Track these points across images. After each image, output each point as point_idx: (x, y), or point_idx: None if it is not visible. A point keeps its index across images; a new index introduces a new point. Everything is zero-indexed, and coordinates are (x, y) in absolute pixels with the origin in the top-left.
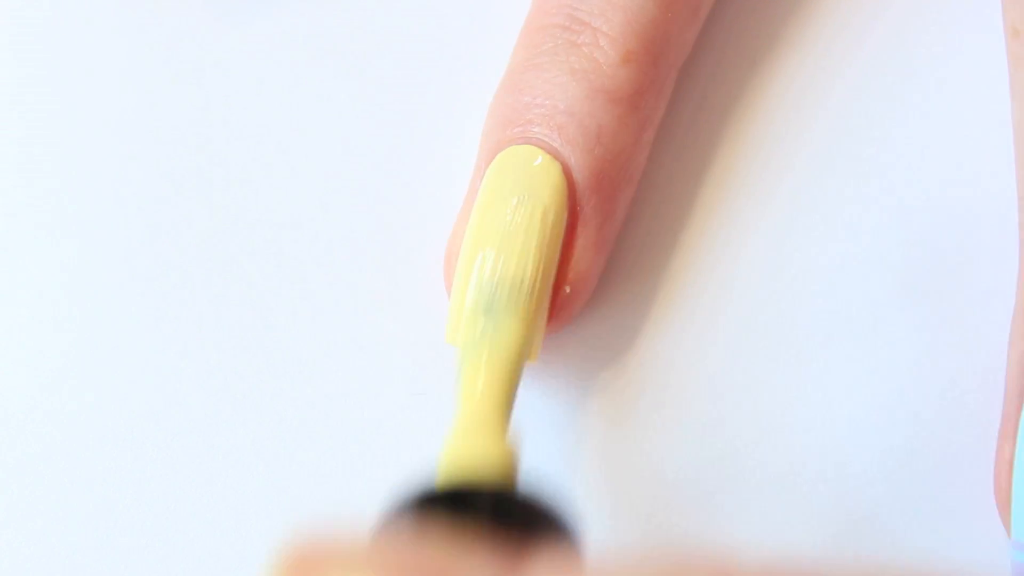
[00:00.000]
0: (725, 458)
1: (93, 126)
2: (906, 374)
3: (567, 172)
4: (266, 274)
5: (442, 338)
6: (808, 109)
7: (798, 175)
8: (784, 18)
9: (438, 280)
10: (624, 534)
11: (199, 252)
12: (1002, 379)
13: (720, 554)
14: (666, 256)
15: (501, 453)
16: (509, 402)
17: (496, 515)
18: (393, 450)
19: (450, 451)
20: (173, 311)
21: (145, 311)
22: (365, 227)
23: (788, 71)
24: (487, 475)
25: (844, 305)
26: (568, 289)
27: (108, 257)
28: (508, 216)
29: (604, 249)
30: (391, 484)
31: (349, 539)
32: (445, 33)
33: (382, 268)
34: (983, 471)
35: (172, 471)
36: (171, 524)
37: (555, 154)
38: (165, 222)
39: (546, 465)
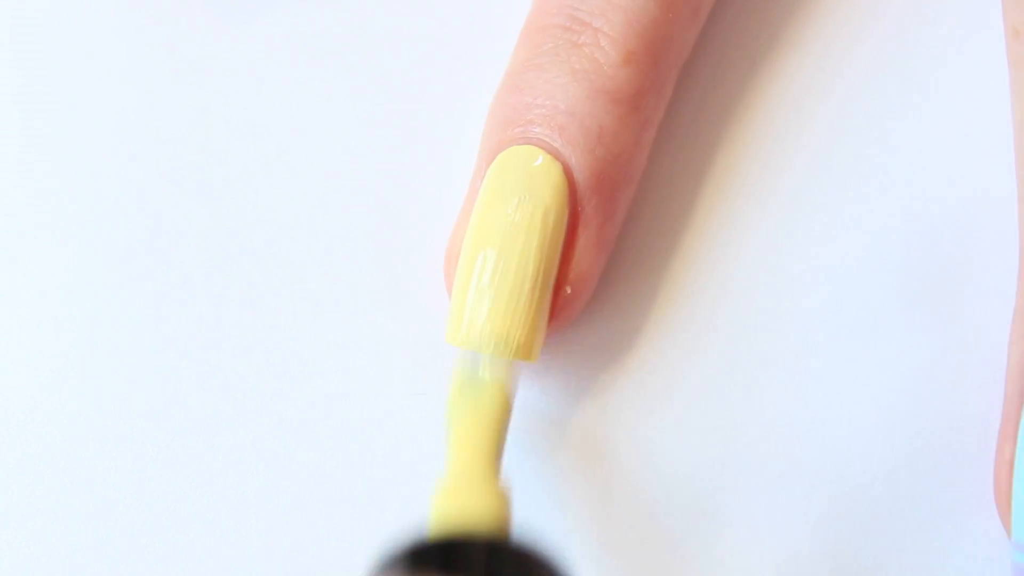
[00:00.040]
0: (725, 458)
1: (93, 126)
2: (906, 374)
3: (568, 172)
4: (266, 274)
5: (442, 338)
6: (808, 109)
7: (798, 175)
8: (784, 18)
9: (438, 280)
10: (623, 534)
11: (199, 252)
12: (1002, 380)
13: None
14: (666, 256)
15: (493, 502)
16: (499, 451)
17: (489, 566)
18: (393, 450)
19: (441, 501)
20: (173, 311)
21: (145, 311)
22: (365, 227)
23: (788, 71)
24: (480, 525)
25: (844, 305)
26: (569, 289)
27: (108, 257)
28: (509, 216)
29: (605, 249)
30: (390, 485)
31: None
32: (445, 33)
33: (382, 268)
34: (983, 472)
35: (172, 471)
36: (171, 524)
37: (556, 154)
38: (165, 222)
39: (545, 466)
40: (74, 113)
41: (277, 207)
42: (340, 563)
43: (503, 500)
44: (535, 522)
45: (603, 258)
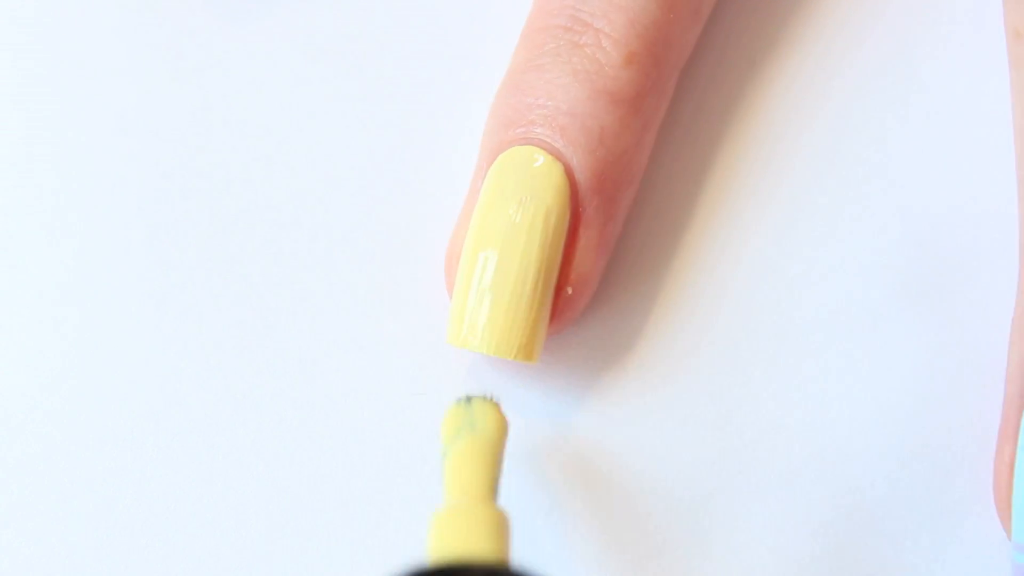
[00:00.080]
0: (725, 458)
1: (93, 126)
2: (906, 375)
3: (569, 173)
4: (266, 274)
5: (442, 338)
6: (808, 110)
7: (798, 176)
8: (784, 19)
9: (438, 280)
10: (623, 534)
11: (199, 252)
12: (1001, 380)
13: None
14: (666, 257)
15: (492, 530)
16: (496, 479)
17: None
18: (393, 450)
19: (439, 529)
20: (173, 311)
21: (145, 311)
22: (365, 227)
23: (788, 72)
24: (478, 552)
25: (844, 306)
26: (570, 290)
27: (108, 257)
28: (510, 217)
29: (606, 250)
30: (390, 485)
31: None
32: (445, 33)
33: (382, 268)
34: (983, 472)
35: (172, 471)
36: (171, 524)
37: (557, 155)
38: (165, 222)
39: (547, 466)
40: (74, 113)
41: (277, 207)
42: (340, 563)
43: (502, 527)
44: (535, 523)
45: (604, 259)
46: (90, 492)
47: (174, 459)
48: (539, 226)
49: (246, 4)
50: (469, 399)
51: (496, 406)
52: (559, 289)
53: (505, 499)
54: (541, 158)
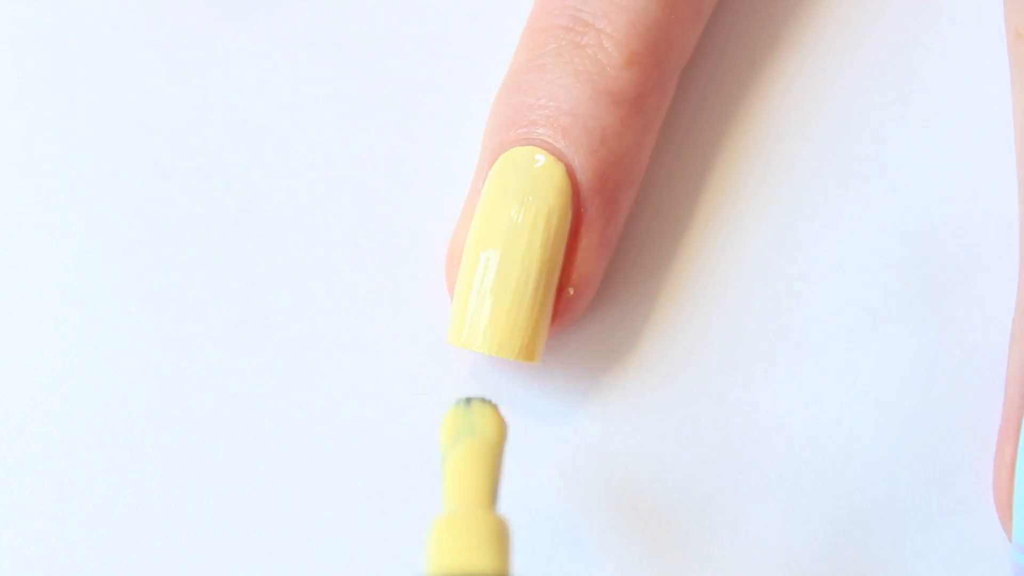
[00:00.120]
0: (725, 458)
1: (93, 126)
2: (906, 375)
3: (571, 174)
4: (266, 274)
5: (442, 338)
6: (808, 110)
7: (798, 176)
8: (784, 19)
9: (439, 280)
10: (624, 534)
11: (199, 252)
12: (1001, 381)
13: None
14: (667, 257)
15: (492, 541)
16: (496, 484)
17: None
18: (393, 450)
19: (439, 539)
20: (173, 311)
21: (145, 311)
22: (366, 227)
23: (788, 72)
24: (479, 565)
25: (844, 306)
26: (572, 291)
27: (108, 257)
28: (512, 217)
29: (607, 251)
30: (390, 485)
31: None
32: (445, 33)
33: (382, 268)
34: (983, 472)
35: (172, 471)
36: (171, 524)
37: (559, 156)
38: (165, 222)
39: (547, 466)
40: (74, 113)
41: (277, 207)
42: (340, 563)
43: (502, 536)
44: (535, 523)
45: (606, 259)
46: (90, 492)
47: (174, 459)
48: (541, 226)
49: (246, 4)
50: (468, 401)
51: (495, 409)
52: (561, 289)
53: (505, 499)
54: (543, 158)
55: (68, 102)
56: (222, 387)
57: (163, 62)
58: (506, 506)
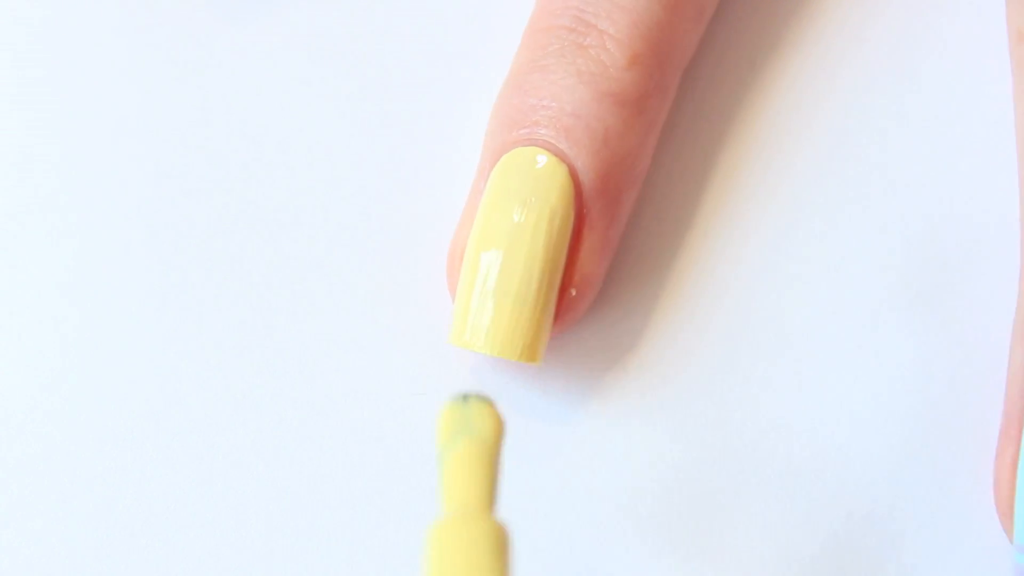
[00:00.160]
0: (725, 459)
1: (94, 126)
2: (906, 375)
3: (574, 175)
4: (267, 274)
5: (442, 338)
6: (809, 110)
7: (799, 176)
8: (785, 19)
9: (440, 280)
10: (624, 534)
11: (200, 252)
12: (1001, 380)
13: None
14: (667, 257)
15: (492, 548)
16: (494, 485)
17: None
18: (393, 450)
19: (438, 548)
20: (173, 311)
21: (145, 311)
22: (366, 227)
23: (789, 72)
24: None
25: (844, 306)
26: (574, 292)
27: (108, 256)
28: (515, 217)
29: (609, 251)
30: (390, 485)
31: None
32: (446, 33)
33: (383, 268)
34: (983, 472)
35: (172, 471)
36: (171, 524)
37: (562, 156)
38: (165, 222)
39: (547, 466)
40: (74, 113)
41: (277, 207)
42: (340, 563)
43: (501, 542)
44: (535, 523)
45: (608, 260)
46: (90, 492)
47: (174, 459)
48: (543, 227)
49: (246, 4)
50: (465, 398)
51: (493, 406)
52: (563, 290)
53: (504, 500)
54: (545, 159)
55: (69, 102)
56: (222, 387)
57: (164, 62)
58: (505, 507)
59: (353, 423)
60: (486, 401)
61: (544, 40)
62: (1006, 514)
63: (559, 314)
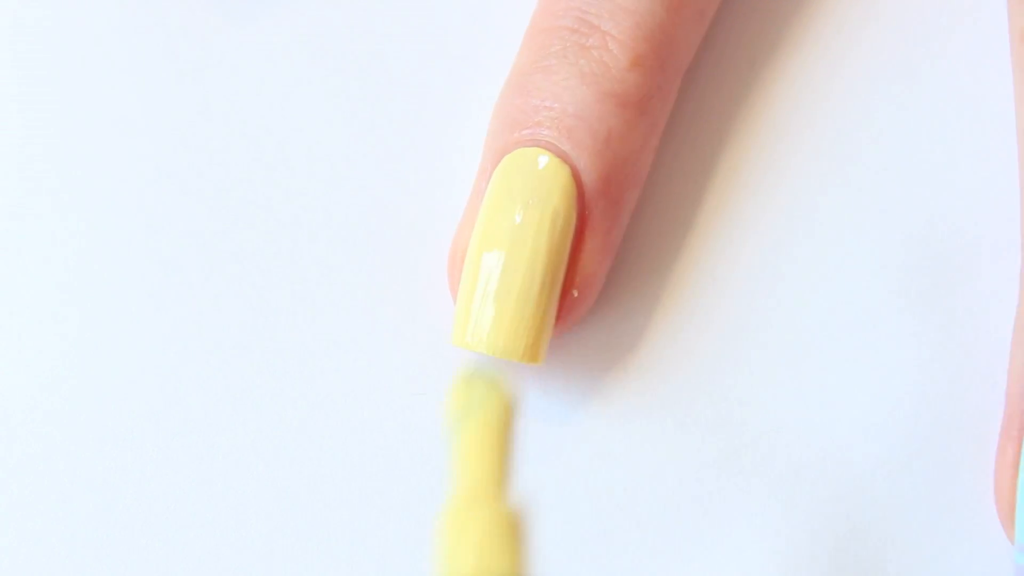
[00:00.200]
0: (725, 458)
1: (94, 126)
2: (907, 375)
3: (576, 176)
4: (267, 273)
5: (443, 338)
6: (810, 111)
7: (799, 176)
8: (785, 19)
9: (440, 280)
10: (624, 534)
11: (200, 252)
12: (1002, 380)
13: None
14: (667, 257)
15: (505, 536)
16: (507, 466)
17: None
18: (393, 450)
19: (449, 535)
20: (173, 311)
21: (145, 311)
22: (366, 227)
23: (789, 72)
24: (491, 566)
25: (845, 306)
26: (576, 292)
27: (108, 256)
28: (517, 218)
29: (611, 252)
30: (390, 485)
31: None
32: (446, 33)
33: (383, 268)
34: (983, 472)
35: (172, 471)
36: (171, 524)
37: (564, 157)
38: (166, 222)
39: (547, 466)
40: (75, 113)
41: (278, 207)
42: (340, 563)
43: (515, 528)
44: (535, 523)
45: (609, 261)
46: (90, 492)
47: (174, 459)
48: (546, 228)
49: (246, 4)
50: (473, 374)
51: (503, 382)
52: (565, 291)
53: None
54: (548, 160)
55: (69, 102)
56: (222, 387)
57: (164, 62)
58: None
59: (354, 423)
60: (496, 376)
61: (546, 41)
62: (1007, 515)
63: (561, 315)
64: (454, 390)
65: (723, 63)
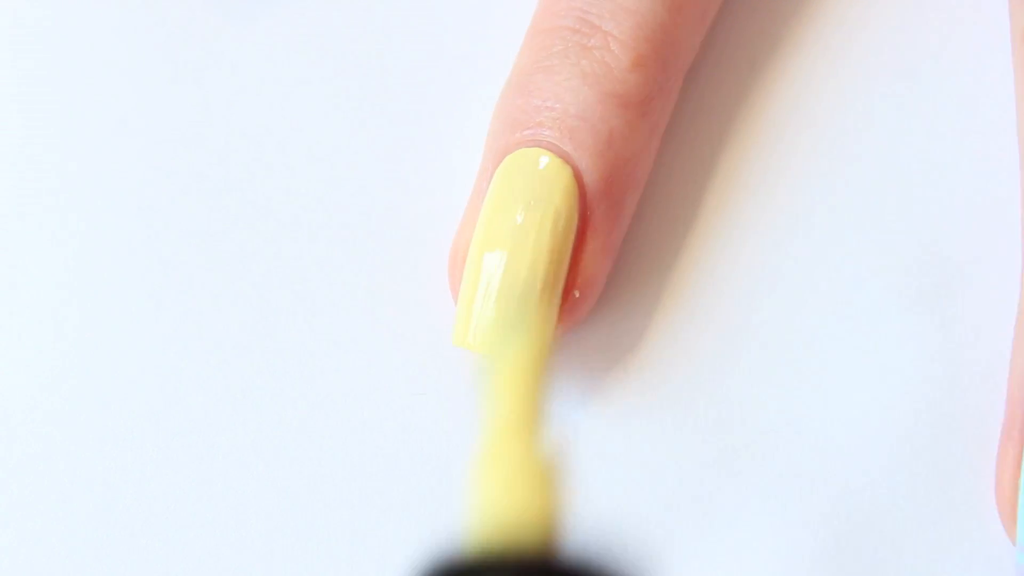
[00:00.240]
0: (725, 458)
1: (94, 126)
2: (907, 375)
3: (578, 176)
4: (267, 273)
5: (443, 338)
6: (809, 110)
7: (799, 177)
8: (786, 19)
9: (440, 281)
10: (624, 534)
11: (200, 252)
12: (1003, 379)
13: None
14: (667, 257)
15: (537, 484)
16: (541, 406)
17: None
18: (393, 450)
19: (482, 482)
20: (173, 311)
21: (145, 311)
22: (366, 227)
23: (789, 72)
24: (520, 532)
25: (845, 306)
26: (577, 293)
27: (108, 257)
28: (519, 219)
29: (612, 253)
30: (390, 485)
31: None
32: (447, 33)
33: (383, 269)
34: (983, 472)
35: (172, 471)
36: (171, 524)
37: (566, 158)
38: (166, 222)
39: None
40: (74, 113)
41: (278, 207)
42: (340, 563)
43: (548, 475)
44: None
45: (610, 262)
46: (90, 492)
47: (174, 459)
48: (547, 229)
49: (246, 4)
50: (507, 320)
51: (536, 327)
52: (566, 292)
53: None
54: (549, 160)
55: (68, 102)
56: (222, 387)
57: (164, 62)
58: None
59: (354, 423)
60: (527, 307)
61: (548, 41)
62: (1008, 515)
63: (562, 316)
64: (486, 334)
65: (723, 63)
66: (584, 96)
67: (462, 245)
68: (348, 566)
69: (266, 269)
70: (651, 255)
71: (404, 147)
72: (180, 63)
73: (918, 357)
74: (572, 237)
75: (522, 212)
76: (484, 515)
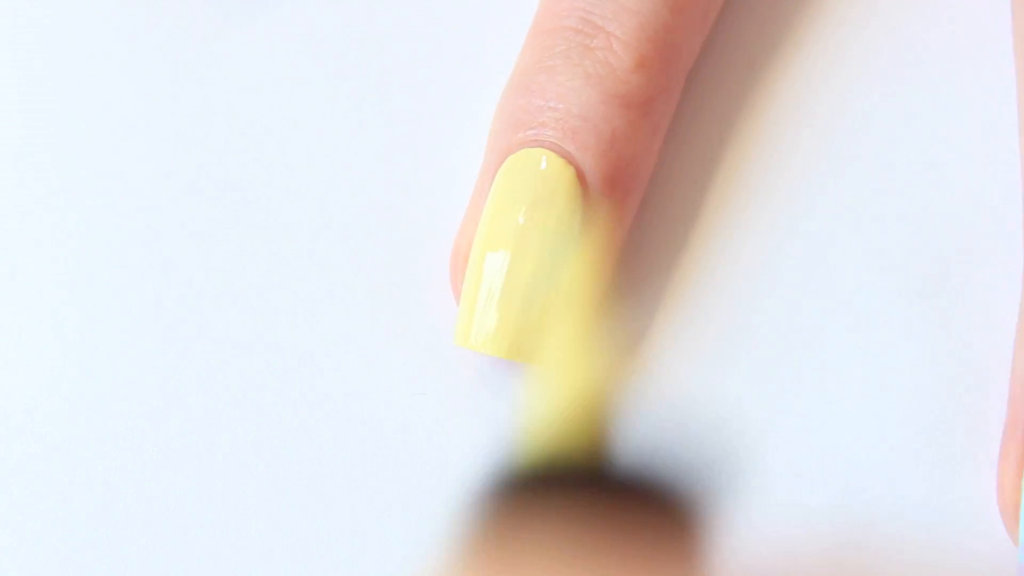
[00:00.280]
0: (725, 458)
1: (94, 126)
2: (907, 375)
3: (580, 177)
4: (267, 273)
5: (444, 338)
6: (809, 110)
7: (800, 176)
8: (786, 20)
9: (441, 281)
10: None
11: (200, 252)
12: (1004, 380)
13: None
14: (667, 257)
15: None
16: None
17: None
18: (393, 450)
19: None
20: (174, 311)
21: (145, 311)
22: (367, 227)
23: (789, 72)
24: (570, 443)
25: (845, 305)
26: None
27: (108, 257)
28: (521, 219)
29: (613, 254)
30: (390, 485)
31: None
32: (448, 33)
33: (384, 268)
34: (983, 472)
35: (172, 471)
36: (171, 524)
37: (568, 158)
38: (166, 222)
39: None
40: (74, 113)
41: (278, 207)
42: (340, 563)
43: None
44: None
45: (612, 263)
46: (90, 492)
47: (174, 459)
48: (550, 229)
49: (246, 4)
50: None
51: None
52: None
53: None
54: (552, 161)
55: (69, 102)
56: (223, 387)
57: (164, 62)
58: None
59: (354, 423)
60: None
61: (550, 41)
62: (1010, 515)
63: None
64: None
65: (724, 64)
66: (587, 96)
67: (464, 245)
68: (348, 566)
69: (267, 269)
70: (652, 255)
71: (405, 147)
72: (180, 63)
73: (918, 357)
74: (574, 238)
75: (524, 212)
76: (540, 409)
